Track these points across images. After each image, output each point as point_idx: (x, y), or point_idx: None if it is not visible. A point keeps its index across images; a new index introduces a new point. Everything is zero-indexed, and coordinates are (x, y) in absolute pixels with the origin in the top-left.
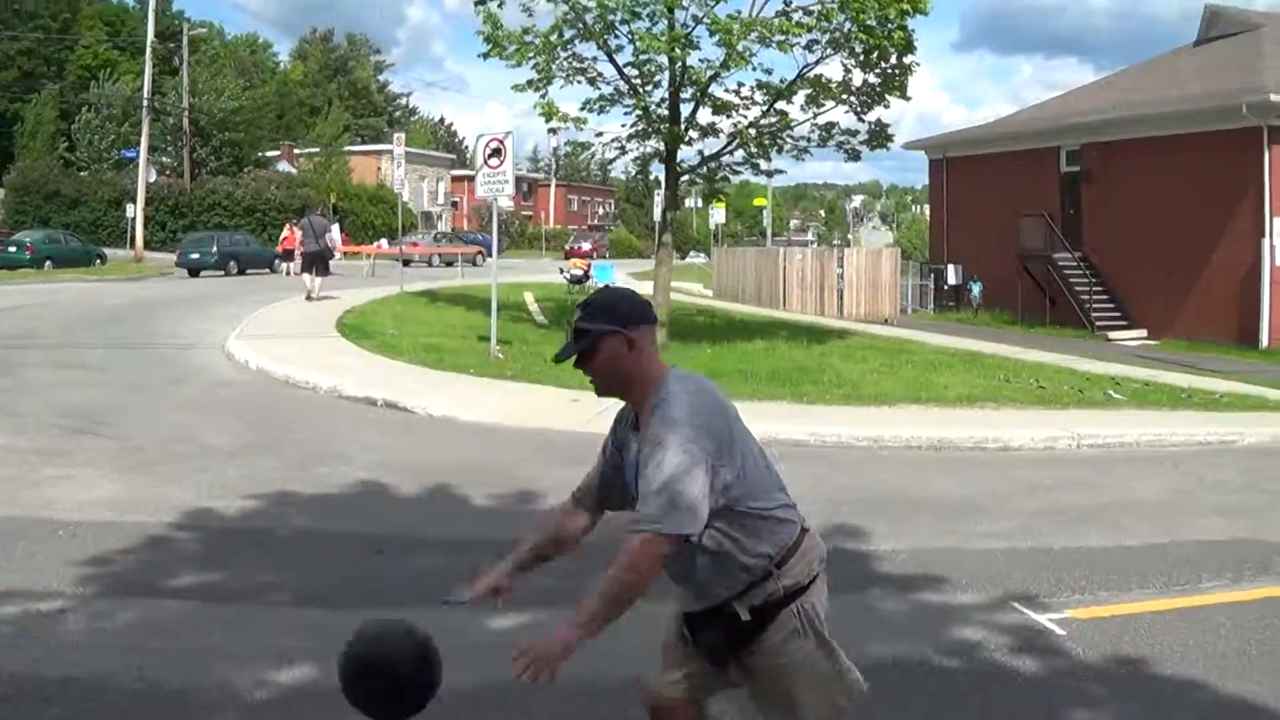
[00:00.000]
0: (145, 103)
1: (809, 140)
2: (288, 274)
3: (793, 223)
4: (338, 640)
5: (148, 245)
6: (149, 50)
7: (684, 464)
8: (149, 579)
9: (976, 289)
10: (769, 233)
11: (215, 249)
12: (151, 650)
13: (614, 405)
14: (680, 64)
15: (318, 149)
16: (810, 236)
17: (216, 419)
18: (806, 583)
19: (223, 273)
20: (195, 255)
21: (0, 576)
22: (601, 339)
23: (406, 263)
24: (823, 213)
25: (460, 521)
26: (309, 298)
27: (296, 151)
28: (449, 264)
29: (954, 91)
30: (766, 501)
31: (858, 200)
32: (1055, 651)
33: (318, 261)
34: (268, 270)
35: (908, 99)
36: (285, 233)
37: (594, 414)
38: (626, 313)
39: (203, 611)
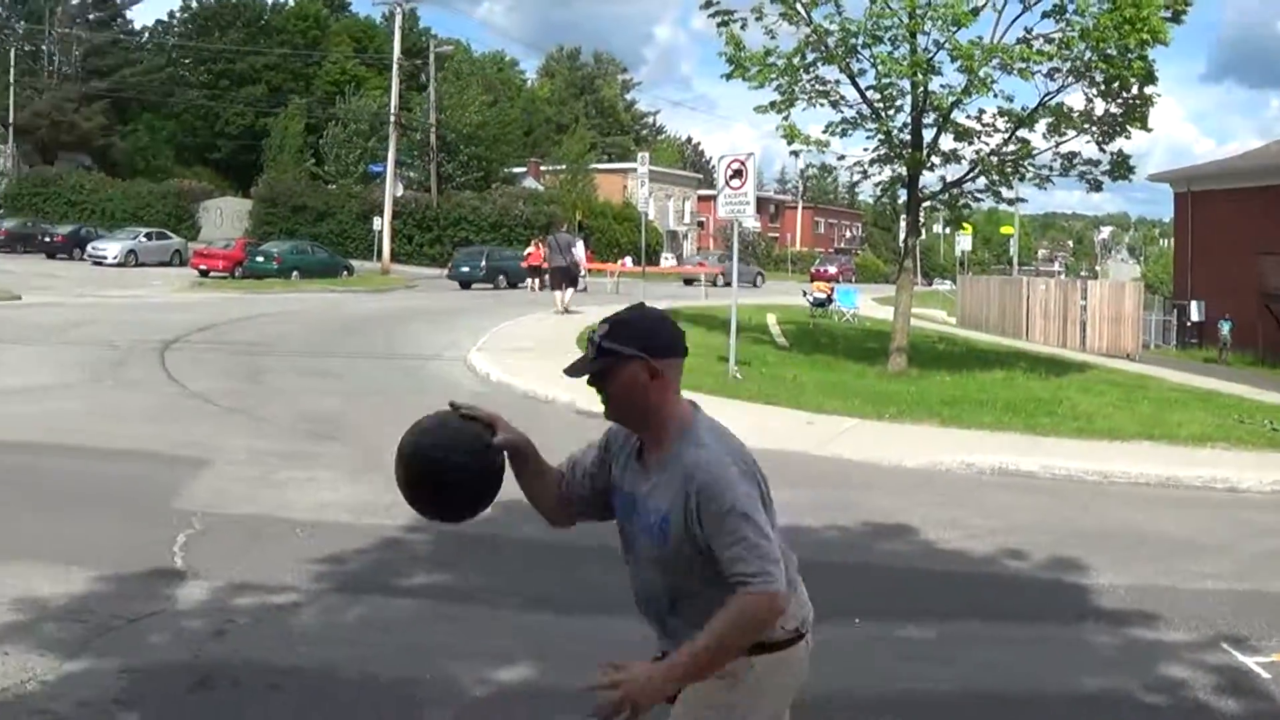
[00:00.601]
0: (392, 118)
1: (1050, 169)
2: (533, 289)
3: (1040, 252)
4: (560, 644)
5: (394, 258)
6: (395, 67)
7: (757, 513)
8: (380, 578)
9: (1226, 328)
10: (1015, 261)
11: (484, 263)
12: (377, 645)
13: (781, 430)
14: (922, 89)
15: (564, 166)
16: (1057, 266)
17: None
18: (781, 640)
19: (491, 286)
20: (466, 269)
21: (239, 570)
22: (624, 362)
23: (689, 281)
24: (1070, 243)
25: None
26: (557, 312)
27: (543, 168)
28: (688, 283)
29: (1202, 123)
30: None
31: (1106, 231)
32: (1259, 695)
33: (566, 277)
34: None
35: (1149, 130)
36: (530, 249)
37: (831, 436)
38: (658, 340)
39: (429, 610)
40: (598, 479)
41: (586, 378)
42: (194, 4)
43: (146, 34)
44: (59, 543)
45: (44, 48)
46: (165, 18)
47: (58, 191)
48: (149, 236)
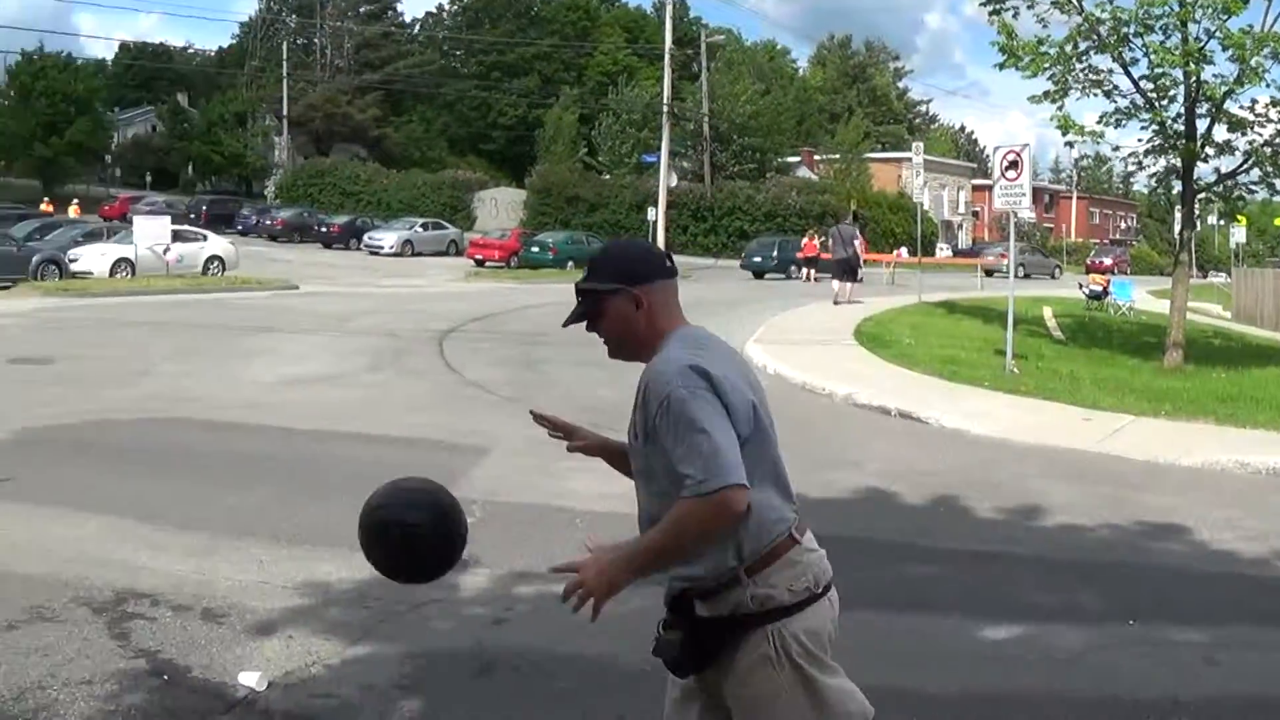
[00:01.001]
0: (665, 108)
1: None
2: (806, 280)
3: None
4: (879, 642)
5: (670, 248)
6: (667, 56)
7: (702, 411)
8: None
9: None
10: None
11: (776, 253)
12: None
13: (1057, 426)
14: (1195, 79)
15: (838, 155)
16: None
17: None
18: (790, 603)
19: (784, 276)
20: (758, 259)
21: (520, 559)
22: (606, 298)
23: (989, 273)
24: None
25: (963, 532)
26: (836, 303)
27: (817, 158)
28: (989, 274)
29: None
30: (767, 493)
31: None
32: None
33: (846, 269)
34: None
35: None
36: (805, 239)
37: (1107, 433)
38: (633, 267)
39: None
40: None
41: (584, 325)
42: None
43: (417, 26)
44: (343, 529)
45: (316, 41)
46: (435, 10)
47: (333, 182)
48: (424, 227)
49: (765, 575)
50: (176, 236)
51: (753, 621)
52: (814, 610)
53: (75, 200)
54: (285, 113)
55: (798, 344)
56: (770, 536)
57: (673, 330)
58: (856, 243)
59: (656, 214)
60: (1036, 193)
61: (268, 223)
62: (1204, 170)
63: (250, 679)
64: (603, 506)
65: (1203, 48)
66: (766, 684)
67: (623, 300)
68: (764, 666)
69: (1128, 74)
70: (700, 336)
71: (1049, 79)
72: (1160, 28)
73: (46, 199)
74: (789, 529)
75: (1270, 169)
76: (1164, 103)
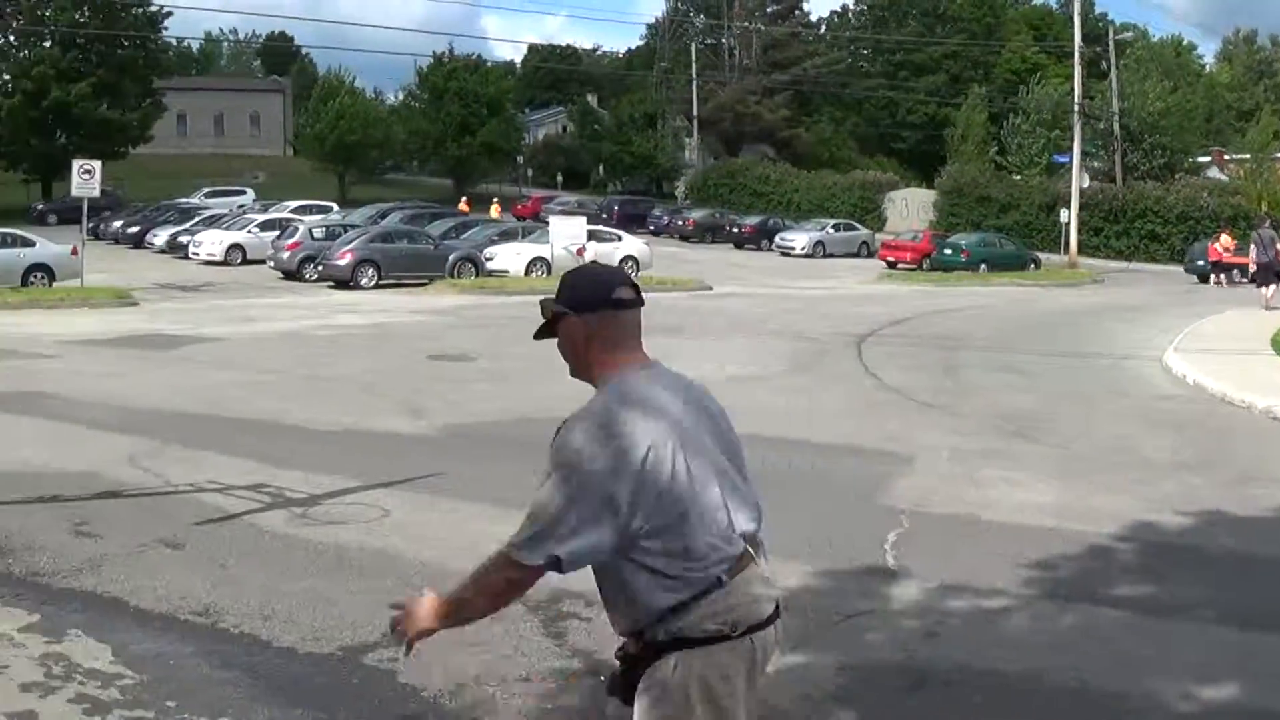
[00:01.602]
0: (1075, 107)
1: None
2: (1217, 285)
3: None
4: (1268, 664)
5: (1081, 250)
6: (1077, 54)
7: (567, 483)
8: (1087, 585)
9: None
10: None
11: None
12: (1087, 654)
13: None
14: None
15: (1247, 156)
16: None
17: (1154, 433)
18: (700, 637)
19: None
20: (1202, 261)
21: (948, 571)
22: (560, 319)
23: None
24: None
25: None
26: (1269, 308)
27: (1226, 157)
28: None
29: None
30: (672, 563)
31: None
32: None
33: (1272, 273)
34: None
35: None
36: (1212, 243)
37: None
38: (582, 294)
39: (1135, 622)
40: None
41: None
42: None
43: (823, 26)
44: (777, 534)
45: (724, 42)
46: (840, 10)
47: (743, 183)
48: (836, 228)
49: (686, 613)
50: (591, 236)
51: (664, 648)
52: (727, 650)
53: (495, 200)
54: (695, 113)
55: (1215, 353)
56: (695, 589)
57: (615, 372)
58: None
59: (1069, 215)
60: None
61: (679, 223)
62: None
63: None
64: (1024, 519)
65: None
66: (660, 709)
67: (570, 324)
68: (662, 693)
69: None
70: (633, 393)
71: None
72: None
73: (465, 198)
74: (696, 588)
75: None
76: None
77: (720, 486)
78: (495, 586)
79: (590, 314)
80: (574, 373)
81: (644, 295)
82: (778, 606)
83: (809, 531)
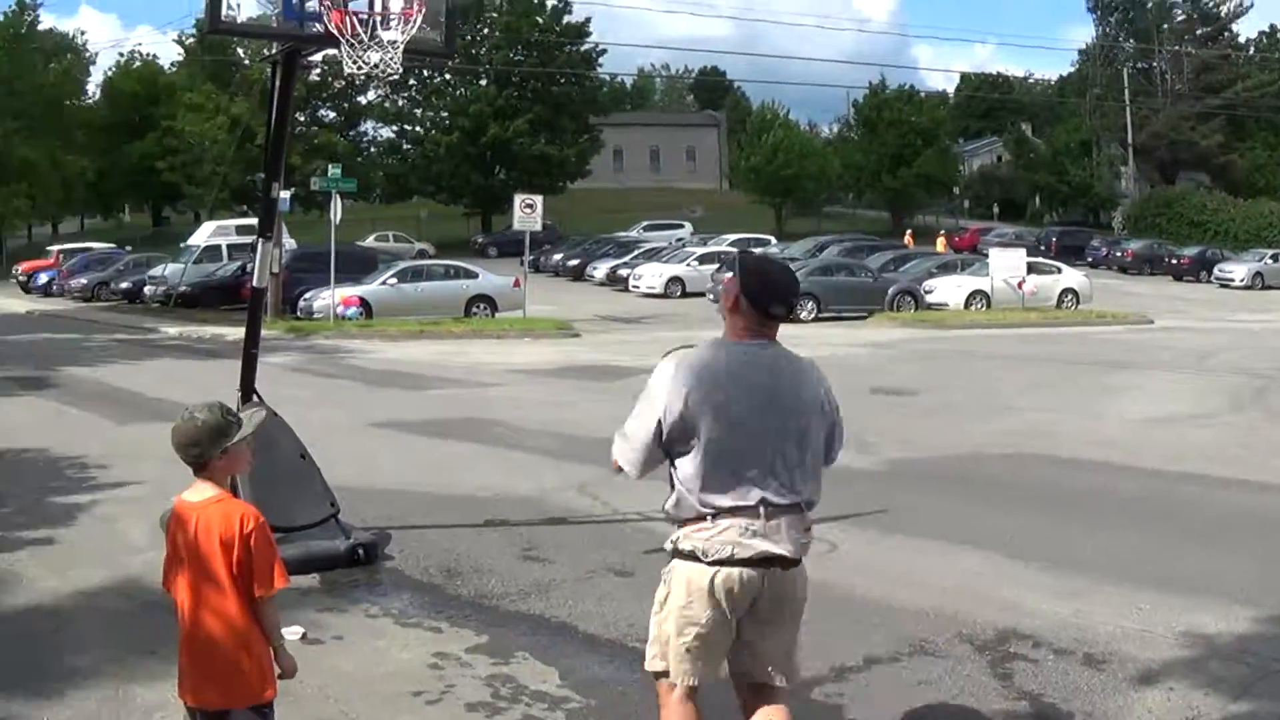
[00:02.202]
0: None
1: None
2: None
3: None
4: None
5: None
6: None
7: (636, 411)
8: None
9: None
10: None
11: None
12: None
13: None
14: None
15: None
16: None
17: None
18: (684, 550)
19: None
20: None
21: None
22: (731, 282)
23: None
24: None
25: None
26: None
27: None
28: None
29: None
30: (692, 479)
31: None
32: None
33: None
34: None
35: None
36: None
37: None
38: (753, 287)
39: None
40: None
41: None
42: None
43: (1252, 48)
44: (1222, 578)
45: (1155, 66)
46: (1269, 30)
47: (1180, 212)
48: (1275, 258)
49: (688, 533)
50: (1030, 269)
51: (670, 554)
52: (696, 570)
53: (942, 233)
54: (1129, 140)
55: None
56: (682, 514)
57: (723, 336)
58: None
59: None
60: None
61: (1117, 254)
62: None
63: None
64: None
65: None
66: (660, 585)
67: (731, 290)
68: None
69: None
70: (704, 354)
71: None
72: None
73: (909, 231)
74: (704, 513)
75: None
76: None
77: (751, 444)
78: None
79: (747, 300)
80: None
81: (1085, 328)
82: (772, 558)
83: (1253, 575)
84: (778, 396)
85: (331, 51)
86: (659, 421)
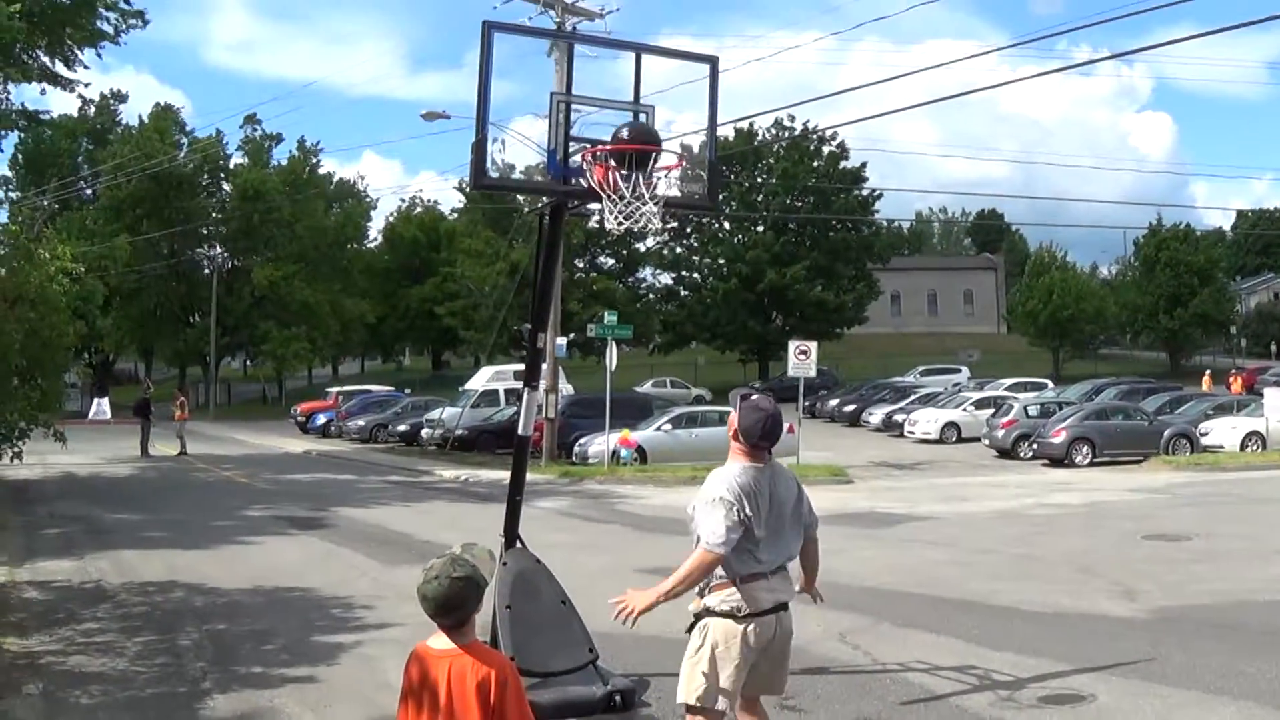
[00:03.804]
0: None
1: None
2: None
3: None
4: None
5: None
6: None
7: (710, 508)
8: None
9: None
10: None
11: None
12: None
13: None
14: None
15: None
16: None
17: None
18: (719, 611)
19: None
20: None
21: None
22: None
23: None
24: None
25: None
26: None
27: None
28: None
29: None
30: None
31: None
32: None
33: None
34: None
35: None
36: None
37: None
38: (744, 423)
39: None
40: None
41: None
42: None
43: None
44: None
45: None
46: None
47: None
48: None
49: (714, 593)
50: None
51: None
52: (729, 623)
53: (1207, 372)
54: None
55: None
56: (712, 581)
57: (732, 458)
58: None
59: None
60: None
61: None
62: None
63: None
64: None
65: None
66: (693, 638)
67: (732, 425)
68: (694, 629)
69: None
70: (733, 471)
71: None
72: None
73: (1207, 373)
74: (731, 580)
75: None
76: None
77: (766, 532)
78: (695, 568)
79: (742, 435)
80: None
81: None
82: (781, 605)
83: None
84: (775, 496)
85: (596, 206)
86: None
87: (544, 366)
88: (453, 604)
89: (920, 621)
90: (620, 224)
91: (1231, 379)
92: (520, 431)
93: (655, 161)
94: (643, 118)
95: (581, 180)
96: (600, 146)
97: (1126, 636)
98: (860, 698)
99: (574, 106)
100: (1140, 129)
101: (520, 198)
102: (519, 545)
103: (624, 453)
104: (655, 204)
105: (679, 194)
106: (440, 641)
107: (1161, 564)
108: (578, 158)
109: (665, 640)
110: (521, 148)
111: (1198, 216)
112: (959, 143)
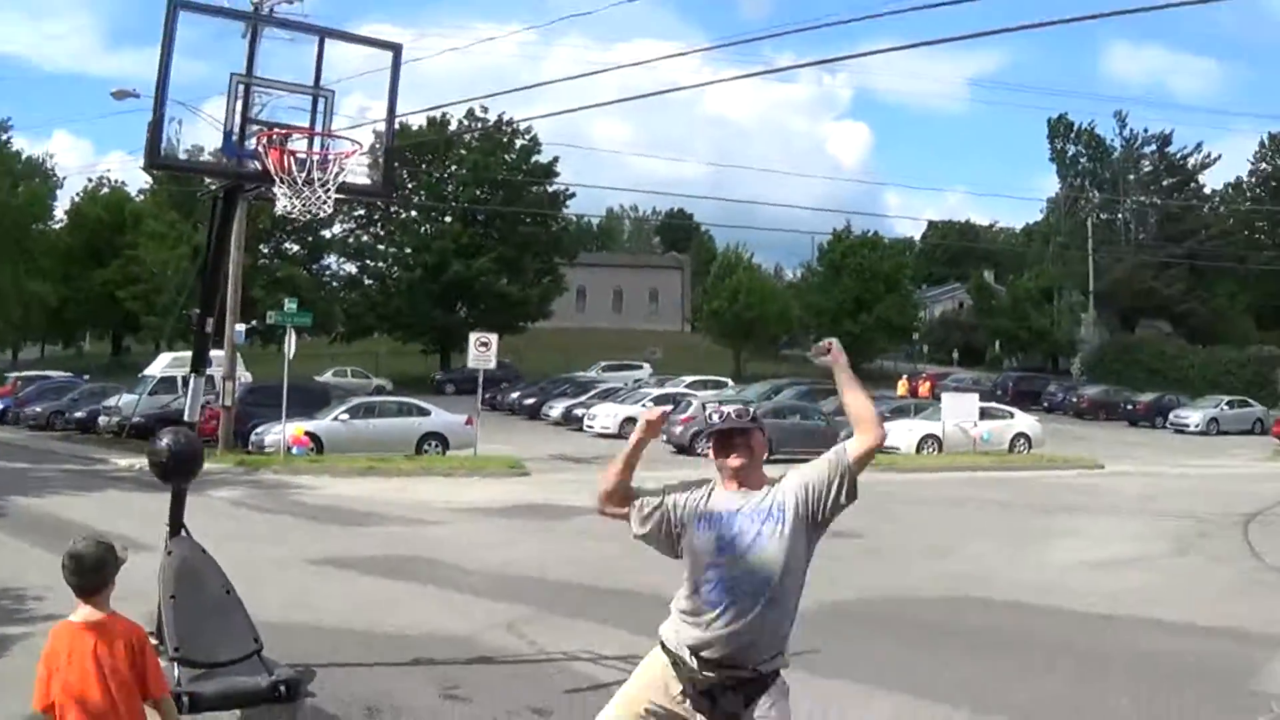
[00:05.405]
0: None
1: None
2: None
3: None
4: None
5: None
6: None
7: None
8: None
9: None
10: None
11: None
12: None
13: None
14: None
15: None
16: None
17: None
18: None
19: None
20: None
21: None
22: (762, 431)
23: None
24: None
25: None
26: None
27: None
28: None
29: None
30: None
31: None
32: None
33: None
34: None
35: None
36: None
37: None
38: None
39: None
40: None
41: (734, 431)
42: (1265, 166)
43: (1218, 198)
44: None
45: (1119, 216)
46: (1234, 181)
47: (1138, 359)
48: (1230, 404)
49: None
50: (984, 414)
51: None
52: (656, 650)
53: (904, 377)
54: (1090, 288)
55: None
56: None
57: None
58: None
59: None
60: None
61: (1073, 400)
62: None
63: None
64: None
65: None
66: None
67: (765, 437)
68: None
69: None
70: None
71: None
72: None
73: (905, 376)
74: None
75: None
76: None
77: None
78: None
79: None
80: (754, 466)
81: (1035, 473)
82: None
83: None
84: None
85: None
86: None
87: (221, 354)
88: (95, 564)
89: (589, 612)
90: (292, 208)
91: (920, 382)
92: (186, 418)
93: (331, 147)
94: (322, 102)
95: (256, 164)
96: (275, 130)
97: (798, 628)
98: (526, 687)
99: (263, 91)
100: (837, 136)
101: (208, 180)
102: (184, 534)
103: (297, 450)
104: (326, 190)
105: (359, 181)
106: (81, 614)
107: (831, 560)
108: (253, 141)
109: (335, 631)
110: (206, 129)
111: (889, 225)
112: (660, 143)
